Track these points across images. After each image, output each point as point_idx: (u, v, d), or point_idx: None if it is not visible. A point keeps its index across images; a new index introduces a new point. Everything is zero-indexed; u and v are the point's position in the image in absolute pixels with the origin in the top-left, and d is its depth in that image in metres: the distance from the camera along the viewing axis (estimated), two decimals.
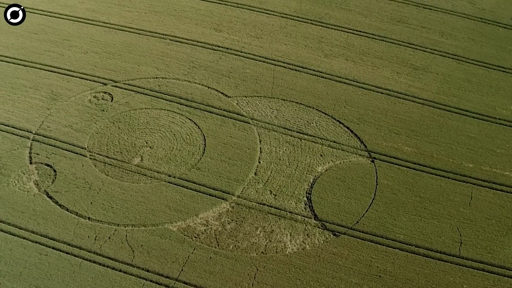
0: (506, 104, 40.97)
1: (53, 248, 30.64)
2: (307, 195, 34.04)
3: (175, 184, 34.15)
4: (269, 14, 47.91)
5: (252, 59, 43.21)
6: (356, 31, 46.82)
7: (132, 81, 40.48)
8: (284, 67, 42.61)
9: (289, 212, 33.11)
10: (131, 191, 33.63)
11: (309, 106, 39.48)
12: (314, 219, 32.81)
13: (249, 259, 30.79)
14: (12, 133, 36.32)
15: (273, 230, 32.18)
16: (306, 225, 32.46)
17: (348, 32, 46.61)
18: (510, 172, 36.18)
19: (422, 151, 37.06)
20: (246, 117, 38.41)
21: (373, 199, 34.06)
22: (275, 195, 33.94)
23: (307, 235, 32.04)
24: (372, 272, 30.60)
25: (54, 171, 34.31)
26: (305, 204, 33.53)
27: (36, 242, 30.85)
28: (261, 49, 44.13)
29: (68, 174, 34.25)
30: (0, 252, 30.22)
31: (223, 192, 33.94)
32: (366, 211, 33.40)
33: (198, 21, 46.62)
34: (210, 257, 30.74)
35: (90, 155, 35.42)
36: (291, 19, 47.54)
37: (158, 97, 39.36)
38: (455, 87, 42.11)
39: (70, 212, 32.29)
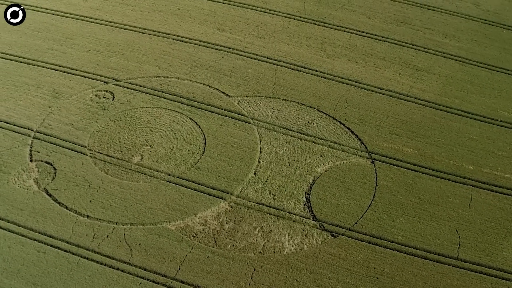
0: (508, 106, 40.82)
1: (51, 245, 30.75)
2: (306, 195, 34.02)
3: (174, 183, 34.20)
4: (272, 14, 47.89)
5: (254, 59, 43.20)
6: (359, 31, 46.74)
7: (133, 79, 40.56)
8: (286, 67, 42.59)
9: (288, 212, 33.10)
10: (130, 189, 33.70)
11: (310, 107, 39.45)
12: (313, 220, 32.78)
13: (247, 259, 30.80)
14: (13, 131, 36.46)
15: (271, 230, 32.18)
16: (304, 226, 32.45)
17: (351, 33, 46.54)
18: (511, 174, 36.05)
19: (423, 153, 36.97)
20: (247, 117, 38.42)
21: (372, 200, 34.01)
22: (274, 195, 33.93)
23: (305, 235, 32.02)
24: (370, 273, 30.56)
25: (54, 169, 34.42)
26: (304, 205, 33.51)
27: (35, 239, 30.97)
28: (263, 49, 44.12)
29: (68, 172, 34.35)
30: None
31: (222, 191, 33.96)
32: (365, 212, 33.36)
33: (201, 20, 46.65)
34: (208, 257, 30.77)
35: (90, 153, 35.51)
36: (294, 19, 47.49)
37: (159, 96, 39.42)
38: (457, 88, 41.98)
39: (69, 210, 32.39)
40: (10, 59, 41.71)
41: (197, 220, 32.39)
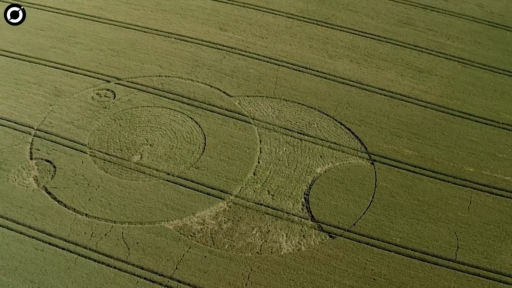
0: (510, 108, 40.68)
1: (49, 243, 30.87)
2: (305, 196, 34.01)
3: (173, 183, 34.25)
4: (275, 14, 47.89)
5: (256, 59, 43.21)
6: (362, 32, 46.67)
7: (135, 78, 40.65)
8: (288, 67, 42.58)
9: (286, 213, 33.10)
10: (129, 188, 33.77)
11: (311, 107, 39.43)
12: (311, 220, 32.77)
13: (244, 259, 30.82)
14: (14, 129, 36.60)
15: (269, 231, 32.18)
16: (302, 226, 32.44)
17: (353, 34, 46.48)
18: (511, 177, 35.90)
19: (423, 154, 36.89)
20: (247, 116, 38.43)
21: (371, 201, 33.96)
22: (273, 196, 33.93)
23: (303, 236, 32.02)
24: (367, 274, 30.52)
25: (54, 167, 34.53)
26: (303, 205, 33.50)
27: (33, 237, 31.09)
28: (265, 49, 44.12)
29: (67, 170, 34.46)
30: None
31: (221, 191, 33.99)
32: (364, 214, 33.31)
33: (204, 20, 46.69)
34: (205, 256, 30.81)
35: (90, 152, 35.61)
36: (297, 19, 47.47)
37: (160, 95, 39.49)
38: (459, 90, 41.86)
39: (68, 208, 32.49)
40: (12, 57, 41.87)
41: (195, 219, 32.43)
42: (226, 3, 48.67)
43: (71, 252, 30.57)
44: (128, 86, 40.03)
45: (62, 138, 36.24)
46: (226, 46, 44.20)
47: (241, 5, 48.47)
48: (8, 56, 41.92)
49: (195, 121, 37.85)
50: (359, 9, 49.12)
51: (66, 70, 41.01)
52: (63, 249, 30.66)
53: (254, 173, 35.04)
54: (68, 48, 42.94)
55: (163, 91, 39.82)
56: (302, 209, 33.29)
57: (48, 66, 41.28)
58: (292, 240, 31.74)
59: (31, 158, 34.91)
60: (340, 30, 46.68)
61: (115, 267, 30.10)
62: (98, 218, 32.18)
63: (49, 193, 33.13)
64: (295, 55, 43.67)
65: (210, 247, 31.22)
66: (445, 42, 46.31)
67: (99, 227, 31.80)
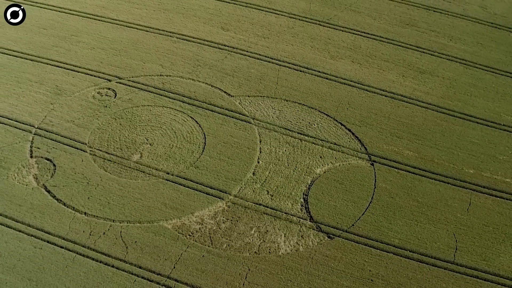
0: None
1: (48, 242, 30.97)
2: (304, 196, 34.00)
3: (173, 182, 34.30)
4: (278, 14, 47.87)
5: (258, 59, 43.21)
6: (364, 33, 46.60)
7: (136, 78, 40.71)
8: (289, 67, 42.56)
9: (285, 213, 33.09)
10: (128, 187, 33.84)
11: (311, 107, 39.41)
12: (310, 221, 32.76)
13: (242, 258, 30.84)
14: (15, 127, 36.72)
15: (267, 231, 32.19)
16: (301, 227, 32.44)
17: (356, 34, 46.42)
18: (511, 179, 35.79)
19: (423, 156, 36.83)
20: (247, 116, 38.44)
21: (370, 202, 33.92)
22: (272, 196, 33.94)
23: (301, 236, 32.01)
24: (365, 275, 30.49)
25: (54, 165, 34.63)
26: (301, 206, 33.49)
27: (32, 235, 31.19)
28: (267, 49, 44.12)
29: (67, 169, 34.55)
30: None
31: (220, 191, 34.02)
32: (362, 214, 33.28)
33: (206, 19, 46.72)
34: (203, 256, 30.84)
35: (90, 150, 35.69)
36: (299, 19, 47.44)
37: (161, 95, 39.54)
38: (461, 91, 41.76)
39: (67, 207, 32.57)
40: (14, 56, 41.99)
41: (194, 219, 32.47)
42: (229, 2, 48.69)
43: (69, 250, 30.65)
44: (129, 85, 40.11)
45: (62, 136, 36.34)
46: (227, 46, 44.21)
47: (244, 5, 48.47)
48: (10, 55, 42.05)
49: (196, 121, 37.89)
50: (362, 10, 49.06)
51: (67, 69, 41.11)
52: (62, 247, 30.75)
53: (253, 173, 35.05)
54: (70, 47, 43.04)
55: (164, 90, 39.87)
56: (300, 210, 33.29)
57: (50, 64, 41.38)
58: (290, 241, 31.74)
59: (31, 156, 35.01)
60: (342, 31, 46.64)
61: (113, 266, 30.18)
62: (97, 216, 32.25)
63: (48, 192, 33.22)
64: (297, 55, 43.65)
65: (208, 246, 31.25)
66: (447, 43, 46.20)
67: (97, 225, 31.87)
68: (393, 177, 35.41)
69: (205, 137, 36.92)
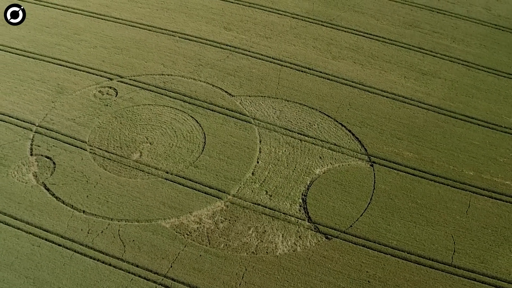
0: None
1: (46, 239, 31.07)
2: (303, 197, 33.99)
3: (172, 181, 34.36)
4: (281, 14, 47.86)
5: (259, 58, 43.22)
6: (367, 34, 46.54)
7: (137, 77, 40.80)
8: (291, 68, 42.55)
9: (283, 213, 33.09)
10: (127, 186, 33.91)
11: (312, 108, 39.39)
12: (308, 221, 32.75)
13: (239, 258, 30.85)
14: (16, 125, 36.88)
15: (265, 231, 32.20)
16: (299, 227, 32.42)
17: (358, 35, 46.35)
18: (511, 181, 35.67)
19: (423, 157, 36.74)
20: (248, 116, 38.46)
21: (369, 203, 33.87)
22: (271, 196, 33.94)
23: (299, 237, 32.00)
24: (362, 277, 30.46)
25: (54, 163, 34.74)
26: (300, 206, 33.48)
27: (30, 233, 31.30)
28: (269, 49, 44.12)
29: (67, 167, 34.66)
30: None
31: (219, 190, 34.05)
32: (361, 215, 33.24)
33: (209, 19, 46.76)
34: (200, 255, 30.88)
35: (90, 149, 35.78)
36: (302, 20, 47.42)
37: (162, 94, 39.61)
38: (463, 93, 41.64)
39: (66, 205, 32.68)
40: (17, 54, 42.18)
41: (192, 218, 32.51)
42: (232, 2, 48.72)
43: (67, 248, 30.75)
44: (130, 84, 40.20)
45: (62, 135, 36.46)
46: (230, 46, 44.24)
47: (247, 5, 48.49)
48: (12, 53, 42.23)
49: (196, 120, 37.94)
50: (365, 10, 48.99)
51: (69, 67, 41.24)
52: (59, 245, 30.85)
53: (252, 173, 35.06)
54: (72, 45, 43.18)
55: (165, 89, 39.94)
56: (299, 210, 33.28)
57: (52, 63, 41.54)
58: (288, 241, 31.74)
59: (31, 154, 35.14)
60: (345, 31, 46.59)
61: (110, 264, 30.25)
62: (95, 215, 32.34)
63: (47, 190, 33.34)
64: (299, 56, 43.63)
65: (206, 246, 31.28)
66: (450, 45, 46.07)
67: (96, 224, 31.96)
68: (393, 179, 35.35)
69: (205, 137, 36.96)
